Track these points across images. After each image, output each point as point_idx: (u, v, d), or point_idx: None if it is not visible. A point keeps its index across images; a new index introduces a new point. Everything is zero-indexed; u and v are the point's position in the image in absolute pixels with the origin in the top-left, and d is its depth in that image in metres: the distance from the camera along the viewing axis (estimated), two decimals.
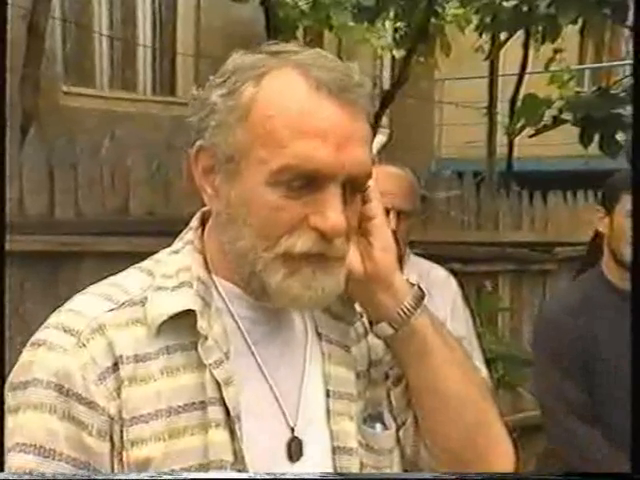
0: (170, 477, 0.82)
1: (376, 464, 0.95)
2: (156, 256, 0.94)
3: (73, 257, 3.01)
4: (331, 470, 0.90)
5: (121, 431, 0.82)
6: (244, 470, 0.83)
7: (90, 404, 0.81)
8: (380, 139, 7.61)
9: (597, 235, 1.98)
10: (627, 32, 5.05)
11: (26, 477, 0.80)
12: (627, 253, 1.84)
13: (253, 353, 0.89)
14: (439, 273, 2.35)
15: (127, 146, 3.33)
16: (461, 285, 2.42)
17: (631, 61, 6.69)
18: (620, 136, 3.15)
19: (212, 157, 0.86)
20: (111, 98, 7.02)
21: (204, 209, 0.94)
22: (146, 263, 0.93)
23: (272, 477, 0.85)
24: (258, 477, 0.85)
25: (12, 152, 2.80)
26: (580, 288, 1.98)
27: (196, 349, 0.85)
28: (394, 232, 2.16)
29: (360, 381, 0.97)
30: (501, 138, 6.78)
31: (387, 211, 2.12)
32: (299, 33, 6.85)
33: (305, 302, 0.85)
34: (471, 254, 4.26)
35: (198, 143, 0.88)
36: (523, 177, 5.72)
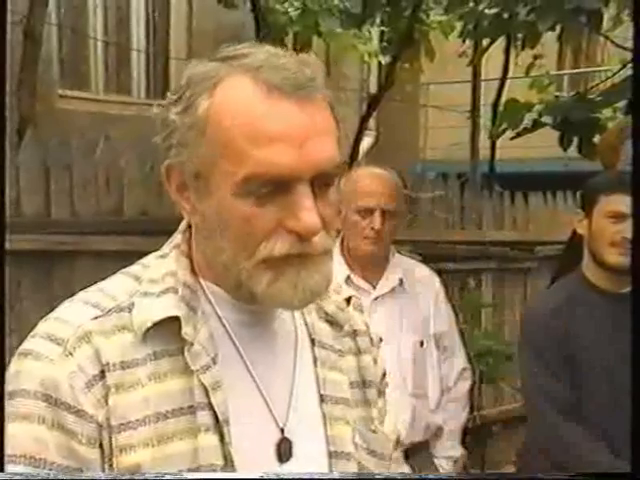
0: (171, 477, 0.80)
1: (377, 468, 0.94)
2: (143, 260, 0.92)
3: (68, 256, 2.99)
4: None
5: (110, 438, 0.80)
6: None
7: (78, 412, 0.79)
8: (367, 141, 7.62)
9: (574, 235, 1.98)
10: (602, 39, 5.07)
11: (26, 477, 0.79)
12: (607, 254, 1.84)
13: (242, 356, 0.87)
14: (423, 271, 2.36)
15: (121, 148, 3.32)
16: (445, 283, 2.44)
17: (608, 67, 6.73)
18: (597, 139, 3.17)
19: (181, 174, 0.84)
20: (106, 101, 6.99)
21: None
22: (134, 268, 0.91)
23: (265, 477, 0.84)
24: (250, 477, 0.84)
25: (9, 154, 2.78)
26: (563, 288, 1.98)
27: (183, 354, 0.83)
28: (379, 231, 2.19)
29: (354, 391, 0.96)
30: (484, 141, 6.80)
31: (372, 211, 2.14)
32: (288, 39, 6.85)
33: (295, 302, 0.83)
34: (455, 253, 4.27)
35: (166, 162, 0.85)
36: (505, 178, 5.75)
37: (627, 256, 1.81)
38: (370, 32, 6.59)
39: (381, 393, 1.01)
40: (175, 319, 0.83)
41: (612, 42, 4.34)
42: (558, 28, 3.95)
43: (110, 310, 0.84)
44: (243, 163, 0.78)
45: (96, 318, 0.83)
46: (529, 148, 6.73)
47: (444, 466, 2.29)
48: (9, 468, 0.79)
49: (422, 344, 2.26)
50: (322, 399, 0.91)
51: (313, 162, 0.79)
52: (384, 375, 1.03)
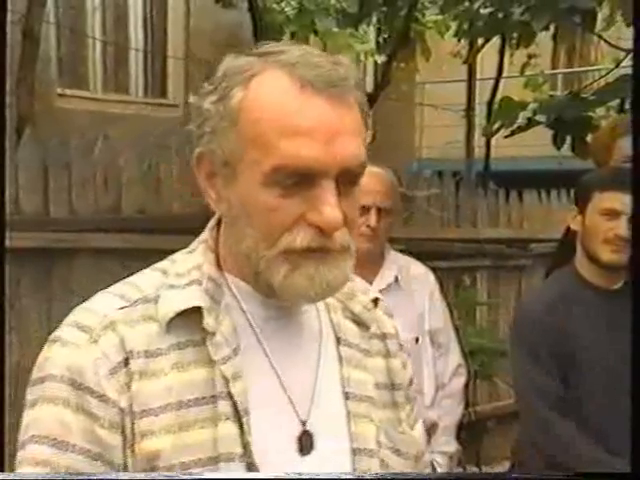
0: (186, 477, 0.81)
1: (400, 467, 0.94)
2: (173, 256, 0.93)
3: (67, 253, 2.99)
4: (349, 470, 0.89)
5: (132, 423, 0.81)
6: (253, 462, 0.82)
7: (102, 397, 0.81)
8: None
9: (568, 232, 1.98)
10: (596, 39, 5.08)
11: (28, 477, 0.80)
12: (600, 251, 1.84)
13: (264, 350, 0.88)
14: (418, 268, 2.36)
15: (119, 146, 3.32)
16: (440, 280, 2.44)
17: (601, 67, 6.73)
18: (590, 138, 3.17)
19: (211, 163, 0.86)
20: (104, 100, 6.98)
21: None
22: (162, 263, 0.92)
23: (284, 477, 0.84)
24: (268, 477, 0.84)
25: (8, 152, 2.78)
26: (556, 284, 1.98)
27: (206, 345, 0.84)
28: (375, 228, 2.19)
29: (382, 392, 0.96)
30: (479, 139, 6.82)
31: (368, 208, 2.15)
32: (285, 38, 6.84)
33: (310, 296, 0.84)
34: (450, 250, 4.27)
35: (197, 150, 0.87)
36: (500, 176, 5.76)
37: (620, 253, 1.81)
38: (366, 31, 6.60)
39: (409, 399, 1.01)
40: (198, 310, 0.84)
41: (605, 42, 4.34)
42: (552, 27, 3.96)
43: (136, 301, 0.86)
44: (271, 154, 0.80)
45: (122, 308, 0.85)
46: (523, 146, 6.74)
47: (439, 461, 2.29)
48: (33, 448, 0.81)
49: (417, 341, 2.26)
50: (346, 397, 0.92)
51: (339, 158, 0.81)
52: (411, 381, 1.03)
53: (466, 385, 2.43)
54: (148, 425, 0.81)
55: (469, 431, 3.88)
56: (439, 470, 2.28)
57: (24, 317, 2.86)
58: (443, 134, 8.75)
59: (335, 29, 5.88)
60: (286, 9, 5.88)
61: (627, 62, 4.45)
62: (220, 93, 0.84)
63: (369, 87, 7.91)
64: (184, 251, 0.93)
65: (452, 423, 2.35)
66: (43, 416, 0.81)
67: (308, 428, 0.88)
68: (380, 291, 2.22)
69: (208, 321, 0.84)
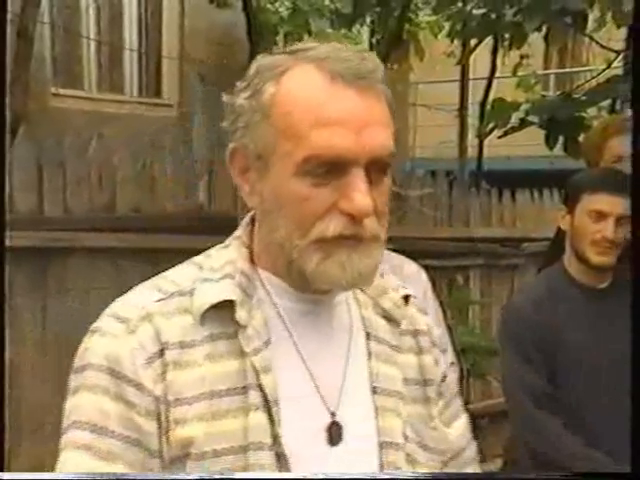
0: (218, 477, 0.83)
1: (428, 462, 0.95)
2: (208, 251, 0.95)
3: (62, 252, 2.99)
4: (376, 463, 0.90)
5: (167, 412, 0.83)
6: (282, 452, 0.84)
7: (138, 386, 0.83)
8: None
9: (560, 230, 1.99)
10: (587, 40, 5.10)
11: (28, 477, 0.81)
12: (587, 252, 1.85)
13: (295, 343, 0.89)
14: (411, 267, 2.36)
15: (114, 145, 3.31)
16: (432, 279, 2.44)
17: (592, 67, 6.75)
18: (582, 138, 3.18)
19: (244, 157, 0.88)
20: (99, 99, 6.96)
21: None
22: (198, 258, 0.94)
23: (310, 477, 0.85)
24: (295, 477, 0.85)
25: (8, 153, 2.77)
26: (544, 282, 1.99)
27: (238, 337, 0.86)
28: None
29: (411, 388, 0.96)
30: (472, 139, 6.82)
31: None
32: (279, 38, 6.85)
33: (342, 283, 0.86)
34: (443, 249, 4.28)
35: (231, 145, 0.89)
36: (493, 176, 5.76)
37: (607, 255, 1.82)
38: (360, 32, 6.60)
39: (442, 394, 1.02)
40: (231, 303, 0.87)
41: (597, 43, 4.36)
42: (544, 28, 3.97)
43: (172, 294, 0.88)
44: (303, 144, 0.82)
45: (159, 301, 0.88)
46: (516, 146, 6.76)
47: None
48: (75, 433, 0.84)
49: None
50: (374, 391, 0.93)
51: (369, 147, 0.83)
52: (444, 377, 1.03)
53: (458, 384, 2.44)
54: (182, 413, 0.83)
55: None
56: None
57: (18, 316, 2.86)
58: (436, 134, 8.76)
59: (329, 29, 5.88)
60: (280, 9, 5.88)
61: (618, 63, 4.47)
62: (253, 89, 0.86)
63: None
64: (219, 246, 0.95)
65: None
66: (84, 403, 0.84)
67: (337, 419, 0.89)
68: None
69: (240, 314, 0.86)
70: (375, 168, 0.85)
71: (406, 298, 1.00)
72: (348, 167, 0.83)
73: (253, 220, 0.95)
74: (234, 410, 0.85)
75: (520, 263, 4.73)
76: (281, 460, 0.84)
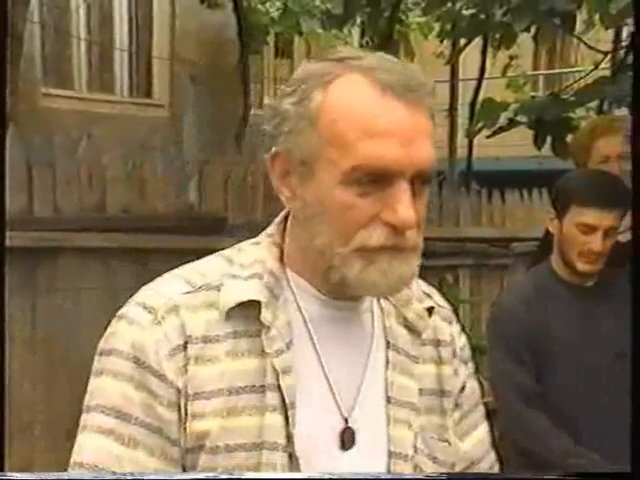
0: (226, 477, 0.83)
1: (434, 473, 0.95)
2: (239, 245, 0.95)
3: (51, 252, 2.97)
4: (384, 471, 0.91)
5: (186, 404, 0.84)
6: (294, 453, 0.85)
7: (161, 377, 0.84)
8: None
9: (548, 231, 2.00)
10: (576, 41, 5.13)
11: (31, 477, 0.81)
12: (574, 261, 1.85)
13: (315, 347, 0.90)
14: None
15: (104, 146, 3.31)
16: (423, 278, 2.45)
17: (581, 68, 6.78)
18: (570, 138, 3.20)
19: (287, 161, 0.88)
20: (89, 100, 6.95)
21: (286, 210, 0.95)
22: (229, 251, 0.94)
23: (321, 477, 0.86)
24: (307, 477, 0.86)
25: (8, 152, 2.77)
26: (531, 280, 2.00)
27: (261, 337, 0.87)
28: None
29: (427, 398, 0.97)
30: (461, 139, 6.84)
31: None
32: (270, 38, 6.85)
33: (383, 289, 0.87)
34: (433, 249, 4.29)
35: (273, 149, 0.89)
36: (482, 176, 5.79)
37: (593, 264, 1.84)
38: (351, 32, 6.61)
39: (458, 405, 1.02)
40: (257, 303, 0.87)
41: (585, 44, 4.38)
42: (533, 29, 3.99)
43: (200, 287, 0.89)
44: (351, 154, 0.82)
45: (187, 293, 0.88)
46: (505, 147, 6.78)
47: None
48: (99, 417, 0.85)
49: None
50: (388, 400, 0.93)
51: (416, 160, 0.83)
52: (463, 388, 1.03)
53: None
54: (200, 407, 0.84)
55: None
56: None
57: (8, 314, 2.84)
58: None
59: (319, 30, 5.88)
60: (271, 10, 5.88)
61: (605, 64, 4.49)
62: (300, 95, 0.86)
63: None
64: (250, 241, 0.95)
65: None
66: (108, 388, 0.85)
67: (350, 425, 0.90)
68: None
69: (265, 315, 0.87)
70: (418, 180, 0.85)
71: (430, 310, 1.00)
72: (393, 179, 0.83)
73: (286, 219, 0.94)
74: (250, 408, 0.85)
75: (509, 263, 4.74)
76: (293, 461, 0.85)
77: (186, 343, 0.85)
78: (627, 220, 1.87)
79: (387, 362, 0.95)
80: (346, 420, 0.90)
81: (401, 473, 0.91)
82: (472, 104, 6.17)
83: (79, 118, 6.18)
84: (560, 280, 1.92)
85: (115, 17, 7.28)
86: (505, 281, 4.77)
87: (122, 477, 0.83)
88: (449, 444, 0.98)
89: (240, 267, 0.91)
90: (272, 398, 0.86)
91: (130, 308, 0.89)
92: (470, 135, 5.21)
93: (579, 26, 4.28)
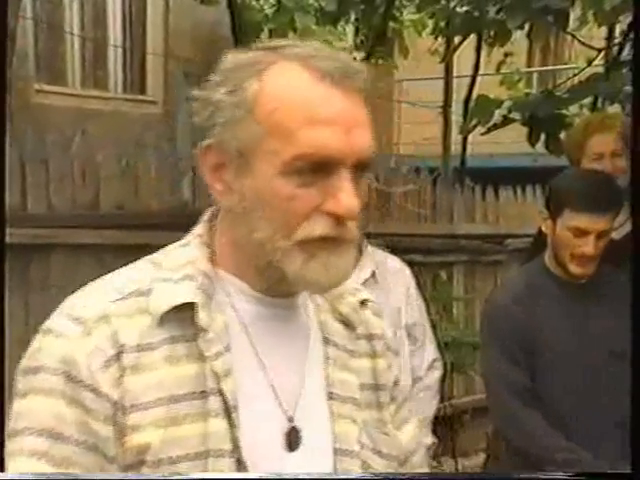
0: (179, 477, 0.81)
1: (382, 467, 0.94)
2: (166, 248, 0.92)
3: (45, 249, 2.97)
4: (331, 470, 0.89)
5: (123, 417, 0.81)
6: (241, 459, 0.82)
7: (95, 390, 0.80)
8: None
9: (542, 228, 2.00)
10: (570, 38, 5.13)
11: (27, 477, 0.79)
12: (566, 262, 1.85)
13: (254, 347, 0.87)
14: (394, 263, 2.37)
15: (97, 142, 3.30)
16: (417, 275, 2.45)
17: (574, 65, 6.79)
18: (564, 135, 3.20)
19: (221, 154, 0.85)
20: (83, 96, 6.91)
21: (214, 207, 0.92)
22: (156, 255, 0.91)
23: (266, 477, 0.84)
24: (253, 477, 0.84)
25: (8, 150, 2.75)
26: (524, 277, 2.00)
27: (198, 340, 0.84)
28: None
29: (366, 393, 0.96)
30: (456, 136, 6.83)
31: None
32: (264, 35, 6.82)
33: (324, 285, 0.85)
34: (427, 245, 4.29)
35: (205, 142, 0.86)
36: (476, 173, 5.78)
37: (585, 267, 1.84)
38: (345, 29, 6.60)
39: (394, 399, 1.01)
40: (192, 306, 0.84)
41: (578, 41, 4.39)
42: (527, 26, 3.99)
43: (130, 294, 0.85)
44: (292, 143, 0.80)
45: (116, 300, 0.84)
46: (499, 144, 6.78)
47: None
48: (30, 440, 0.80)
49: (394, 335, 2.27)
50: (330, 397, 0.92)
51: (357, 148, 0.82)
52: (397, 382, 1.03)
53: (442, 379, 2.45)
54: (138, 419, 0.81)
55: (445, 424, 3.91)
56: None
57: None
58: (420, 131, 8.78)
59: (314, 27, 5.87)
60: (265, 7, 5.87)
61: (599, 61, 4.50)
62: (232, 84, 0.83)
63: None
64: (178, 244, 0.92)
65: (428, 416, 2.36)
66: (38, 408, 0.81)
67: (295, 424, 0.88)
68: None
69: (201, 317, 0.84)
70: (358, 168, 0.83)
71: (363, 302, 0.99)
72: (335, 168, 0.81)
73: (214, 216, 0.92)
74: (192, 416, 0.82)
75: (503, 259, 4.75)
76: (240, 466, 0.83)
77: (120, 353, 0.81)
78: (620, 217, 1.88)
79: (326, 358, 0.93)
80: (290, 419, 0.88)
81: (348, 470, 0.89)
82: (466, 101, 6.17)
83: (72, 115, 6.16)
84: (553, 277, 1.92)
85: (109, 13, 7.25)
86: (499, 277, 4.78)
87: (119, 478, 0.82)
88: (387, 436, 0.97)
89: (170, 270, 0.87)
90: (214, 403, 0.83)
91: (56, 321, 0.84)
92: (464, 132, 5.21)
93: (572, 23, 4.29)
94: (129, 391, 0.81)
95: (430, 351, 2.37)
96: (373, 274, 2.25)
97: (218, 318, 0.86)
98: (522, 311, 1.88)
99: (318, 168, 0.81)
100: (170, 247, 0.92)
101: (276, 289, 0.87)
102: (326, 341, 0.94)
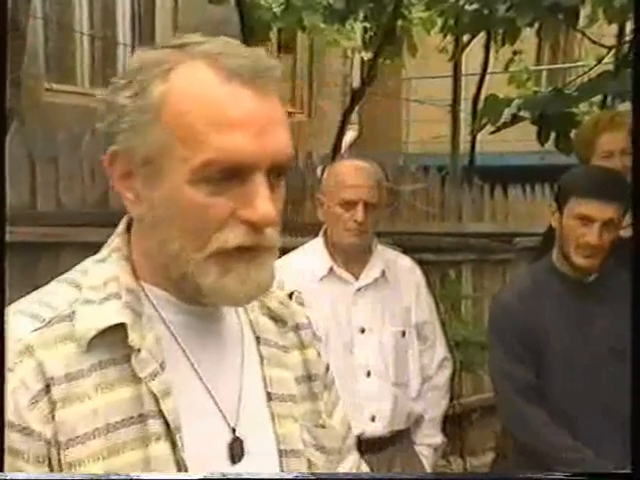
0: (117, 477, 0.77)
1: (326, 463, 0.92)
2: (81, 266, 0.86)
3: (54, 247, 2.97)
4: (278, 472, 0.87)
5: (58, 455, 0.75)
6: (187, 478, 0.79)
7: (24, 430, 0.74)
8: (350, 135, 7.62)
9: (551, 227, 2.00)
10: (579, 36, 5.11)
11: (27, 477, 0.76)
12: (572, 253, 1.85)
13: (189, 358, 0.84)
14: (404, 262, 2.37)
15: None
16: (425, 273, 2.44)
17: (584, 63, 6.76)
18: (573, 134, 3.19)
19: (128, 161, 0.80)
20: (92, 95, 6.93)
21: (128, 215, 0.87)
22: (72, 275, 0.85)
23: (210, 477, 0.81)
24: (198, 477, 0.81)
25: (8, 150, 2.76)
26: (531, 275, 2.00)
27: (130, 362, 0.79)
28: (362, 223, 2.19)
29: (301, 386, 0.94)
30: (464, 134, 6.82)
31: (355, 203, 2.15)
32: (273, 34, 6.82)
33: (241, 298, 0.81)
34: (436, 244, 4.28)
35: (111, 149, 0.81)
36: (485, 171, 5.76)
37: (590, 259, 1.83)
38: (353, 28, 6.58)
39: (326, 386, 0.99)
40: (120, 326, 0.79)
41: (588, 38, 4.36)
42: (536, 24, 3.97)
43: (51, 321, 0.79)
44: (201, 148, 0.75)
45: (37, 330, 0.78)
46: (508, 142, 6.76)
47: (424, 453, 2.30)
48: None
49: (404, 334, 2.27)
50: (269, 397, 0.89)
51: (271, 151, 0.77)
52: (328, 368, 1.01)
53: (451, 378, 2.44)
54: (76, 454, 0.75)
55: (454, 423, 3.90)
56: (424, 461, 2.29)
57: None
58: (429, 129, 8.76)
59: (322, 25, 5.86)
60: (273, 5, 5.86)
61: (609, 59, 4.47)
62: (137, 87, 0.79)
63: (356, 82, 7.91)
64: (94, 259, 0.87)
65: (437, 415, 2.36)
66: None
67: (238, 434, 0.85)
68: (367, 285, 2.23)
69: (133, 337, 0.79)
70: (275, 173, 0.79)
71: (290, 295, 0.97)
72: (249, 173, 0.77)
73: (129, 228, 0.87)
74: (132, 442, 0.77)
75: (512, 258, 4.73)
76: None
77: (48, 386, 0.75)
78: (629, 216, 1.87)
79: (261, 358, 0.90)
80: (233, 430, 0.84)
81: (295, 471, 0.87)
82: (475, 99, 6.15)
83: (82, 113, 6.17)
84: (559, 275, 1.91)
85: (118, 12, 7.27)
86: (507, 276, 4.77)
87: (121, 478, 0.79)
88: (324, 428, 0.95)
89: (91, 290, 0.81)
90: (154, 426, 0.78)
91: None
92: (474, 132, 5.20)
93: (582, 21, 4.27)
94: (63, 425, 0.75)
95: (440, 350, 2.37)
96: (383, 273, 2.25)
97: (149, 335, 0.80)
98: (527, 309, 1.88)
99: (230, 174, 0.76)
100: (85, 264, 0.87)
101: (198, 299, 0.83)
102: (259, 341, 0.92)
